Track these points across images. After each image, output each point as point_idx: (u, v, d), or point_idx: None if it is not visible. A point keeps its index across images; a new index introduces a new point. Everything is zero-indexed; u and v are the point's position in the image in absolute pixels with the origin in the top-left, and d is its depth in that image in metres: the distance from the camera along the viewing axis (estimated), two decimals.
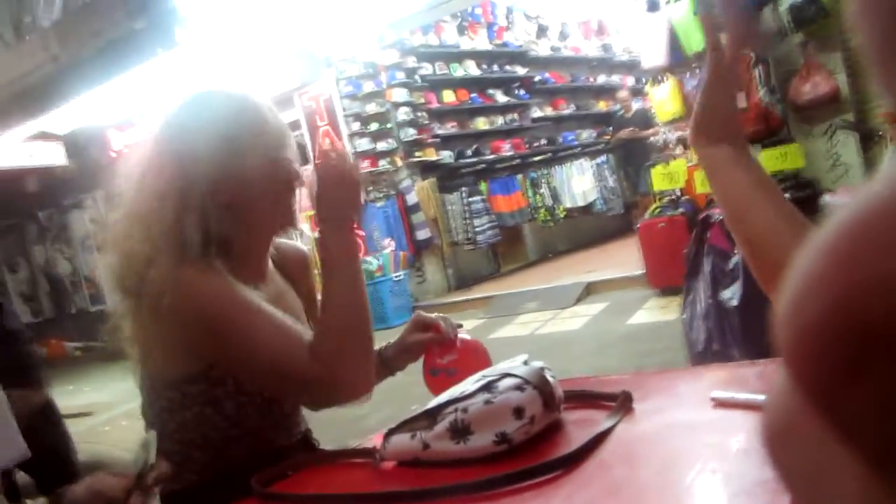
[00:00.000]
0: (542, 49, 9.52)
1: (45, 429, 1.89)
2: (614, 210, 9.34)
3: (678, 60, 5.34)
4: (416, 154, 7.76)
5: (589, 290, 6.29)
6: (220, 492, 0.98)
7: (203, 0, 5.24)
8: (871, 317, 0.18)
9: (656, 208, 5.43)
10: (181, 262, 0.99)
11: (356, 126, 7.63)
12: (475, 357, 1.15)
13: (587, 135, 9.81)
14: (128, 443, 1.02)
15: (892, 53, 0.20)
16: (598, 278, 6.46)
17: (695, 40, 5.04)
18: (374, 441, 0.98)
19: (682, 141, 5.38)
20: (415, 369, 1.21)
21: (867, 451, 0.19)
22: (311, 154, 6.98)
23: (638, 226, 5.62)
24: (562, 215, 8.86)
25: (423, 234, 7.58)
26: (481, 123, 8.56)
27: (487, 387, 0.88)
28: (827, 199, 3.74)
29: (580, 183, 9.09)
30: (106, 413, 5.37)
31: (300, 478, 0.99)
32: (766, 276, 0.77)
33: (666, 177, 5.29)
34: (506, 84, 8.93)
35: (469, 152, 8.23)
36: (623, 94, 8.32)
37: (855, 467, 0.20)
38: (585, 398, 0.97)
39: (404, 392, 1.69)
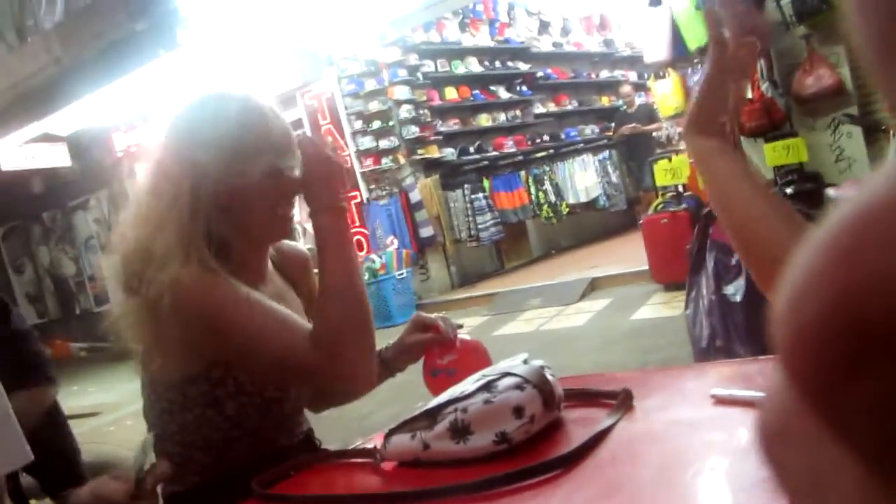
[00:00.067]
0: (544, 45, 9.50)
1: (49, 431, 1.90)
2: (617, 206, 9.33)
3: (681, 55, 5.33)
4: (419, 151, 7.76)
5: (593, 286, 6.28)
6: (223, 493, 0.98)
7: (204, 1, 5.24)
8: (872, 315, 0.18)
9: (659, 204, 5.42)
10: (182, 263, 0.99)
11: (358, 124, 7.63)
12: (475, 357, 1.14)
13: (590, 130, 9.79)
14: (133, 443, 1.03)
15: (890, 53, 0.20)
16: (602, 274, 6.46)
17: (697, 35, 5.02)
18: (376, 441, 0.98)
19: None
20: (420, 368, 1.20)
21: (865, 451, 0.19)
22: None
23: (641, 221, 5.61)
24: (565, 211, 8.85)
25: (426, 232, 7.58)
26: (484, 120, 8.56)
27: (487, 386, 0.87)
28: (831, 192, 3.72)
29: (583, 179, 9.08)
30: (111, 413, 5.39)
31: (301, 478, 0.99)
32: (754, 262, 0.79)
33: (669, 172, 5.28)
34: (508, 80, 8.91)
35: (472, 149, 8.23)
36: (626, 89, 8.29)
37: (852, 467, 0.19)
38: (585, 396, 0.97)
39: (409, 390, 1.69)
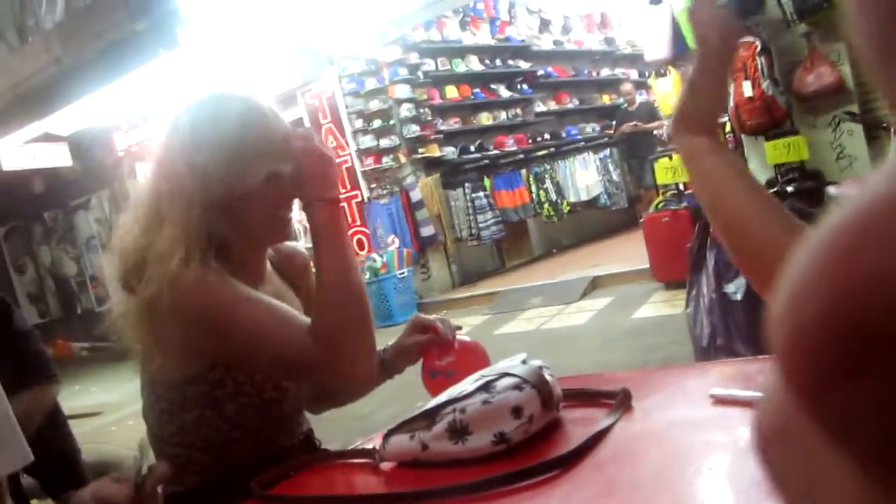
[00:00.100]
0: (544, 43, 9.50)
1: (49, 431, 1.90)
2: (618, 204, 9.32)
3: (681, 53, 5.32)
4: (420, 150, 7.75)
5: (594, 285, 6.28)
6: (223, 493, 0.98)
7: (204, 0, 5.24)
8: (872, 315, 0.17)
9: (660, 202, 5.42)
10: (182, 262, 0.99)
11: (359, 123, 7.63)
12: (474, 358, 1.14)
13: (591, 129, 9.78)
14: (135, 443, 1.03)
15: (890, 52, 0.20)
16: (603, 273, 6.46)
17: None
18: (375, 441, 0.97)
19: None
20: (419, 369, 1.20)
21: (863, 453, 0.19)
22: None
23: (642, 220, 5.61)
24: (566, 210, 8.84)
25: (427, 231, 7.58)
26: (484, 119, 8.55)
27: (486, 386, 0.87)
28: (832, 190, 3.72)
29: (584, 177, 9.07)
30: (113, 413, 5.40)
31: (300, 479, 0.99)
32: (745, 262, 0.78)
33: (670, 170, 5.27)
34: (509, 79, 8.91)
35: (472, 148, 8.23)
36: (627, 87, 8.29)
37: (850, 469, 0.19)
38: (584, 396, 0.97)
39: (409, 391, 1.69)
